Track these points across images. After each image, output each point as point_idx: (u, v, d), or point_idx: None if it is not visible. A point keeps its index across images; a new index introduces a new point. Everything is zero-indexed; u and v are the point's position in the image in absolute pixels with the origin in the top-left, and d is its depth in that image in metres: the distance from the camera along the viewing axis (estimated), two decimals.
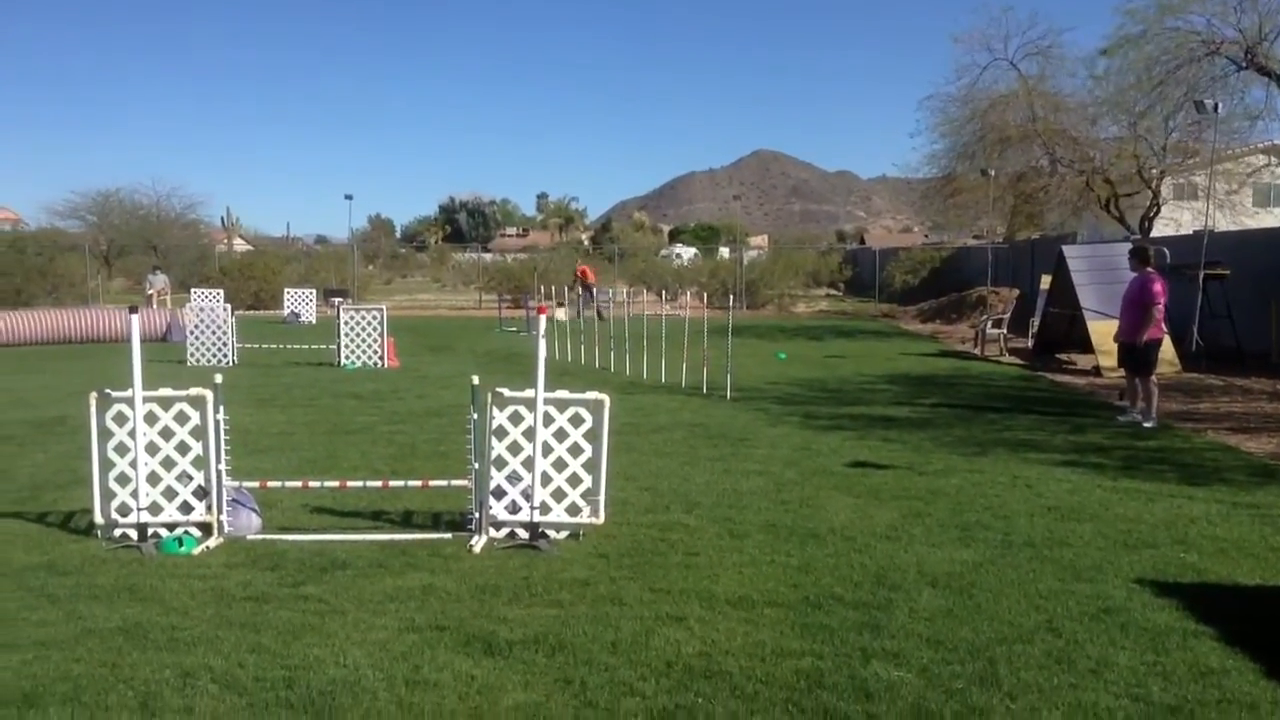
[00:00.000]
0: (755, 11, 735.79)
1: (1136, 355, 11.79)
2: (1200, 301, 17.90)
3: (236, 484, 7.17)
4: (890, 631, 5.15)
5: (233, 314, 20.26)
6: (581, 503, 6.90)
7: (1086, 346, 17.69)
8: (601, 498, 6.95)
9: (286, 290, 33.35)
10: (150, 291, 30.74)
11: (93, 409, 6.83)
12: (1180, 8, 22.01)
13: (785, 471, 9.05)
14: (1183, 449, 10.26)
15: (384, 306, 19.66)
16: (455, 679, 4.59)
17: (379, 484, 7.93)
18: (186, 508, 6.88)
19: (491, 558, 6.49)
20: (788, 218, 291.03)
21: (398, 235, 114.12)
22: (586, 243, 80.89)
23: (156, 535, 6.79)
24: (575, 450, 6.87)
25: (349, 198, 47.85)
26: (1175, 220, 29.75)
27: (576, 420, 6.87)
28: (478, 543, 6.71)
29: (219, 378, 7.02)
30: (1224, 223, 25.89)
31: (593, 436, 6.88)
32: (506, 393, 6.91)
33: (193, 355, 19.14)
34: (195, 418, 6.83)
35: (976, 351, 21.10)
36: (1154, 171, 26.15)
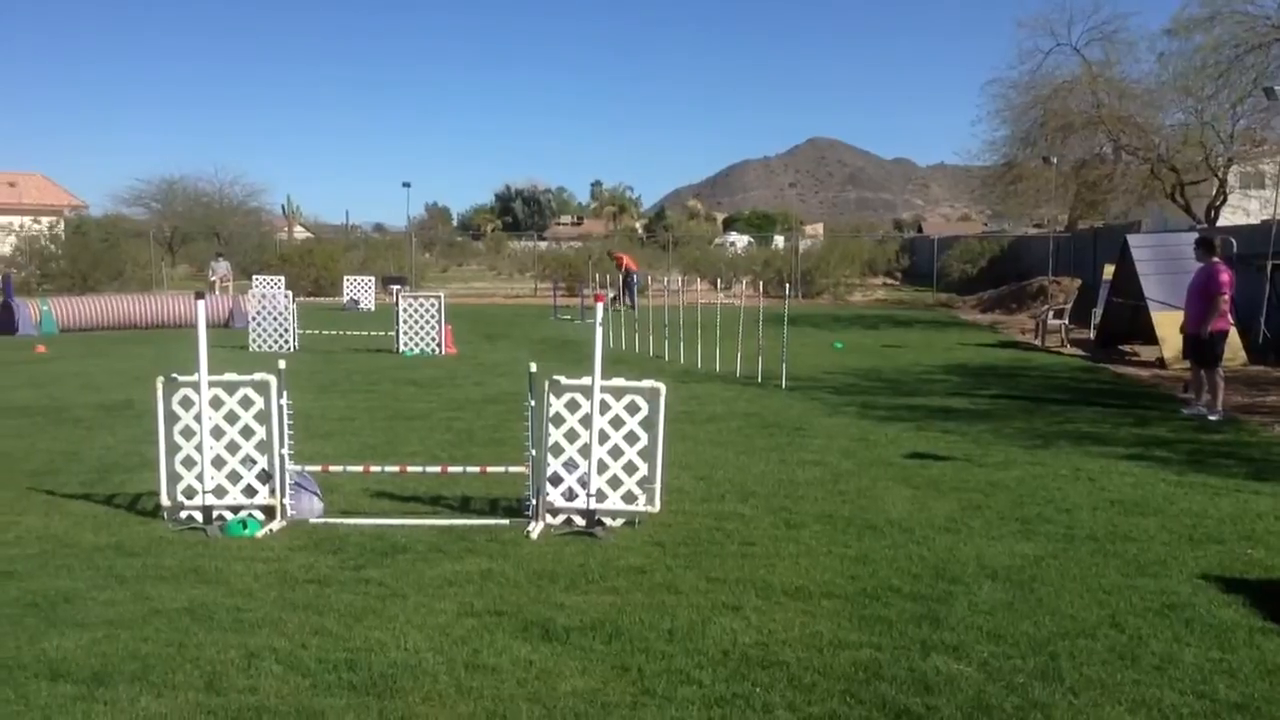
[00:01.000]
0: None
1: (1202, 347, 11.57)
2: (1268, 292, 17.47)
3: (299, 468, 7.28)
4: (950, 624, 5.10)
5: (294, 300, 20.55)
6: (637, 490, 6.92)
7: (1150, 338, 17.35)
8: (657, 486, 6.96)
9: (346, 277, 33.71)
10: (213, 278, 31.27)
11: (159, 393, 6.97)
12: None
13: (842, 462, 9.00)
14: (1249, 443, 10.05)
15: (442, 294, 19.83)
16: (514, 663, 4.63)
17: (438, 470, 8.01)
18: (250, 491, 7.01)
19: (548, 544, 6.53)
20: (843, 206, 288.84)
21: (454, 223, 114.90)
22: (640, 231, 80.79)
23: (221, 518, 6.93)
24: (631, 438, 6.89)
25: (407, 185, 48.26)
26: (1243, 209, 29.10)
27: (633, 408, 6.89)
28: (535, 529, 6.75)
29: (282, 363, 7.13)
30: None
31: (648, 424, 6.89)
32: (564, 380, 6.94)
33: (255, 341, 19.46)
34: (259, 402, 6.95)
35: (1037, 342, 20.81)
36: (1221, 159, 25.58)
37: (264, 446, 7.00)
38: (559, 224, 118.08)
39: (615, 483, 6.90)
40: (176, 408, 6.97)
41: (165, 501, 7.00)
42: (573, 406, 6.93)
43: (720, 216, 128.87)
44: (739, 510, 7.35)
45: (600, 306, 7.20)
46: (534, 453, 7.00)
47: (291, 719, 4.10)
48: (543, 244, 55.06)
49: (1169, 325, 15.26)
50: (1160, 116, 26.89)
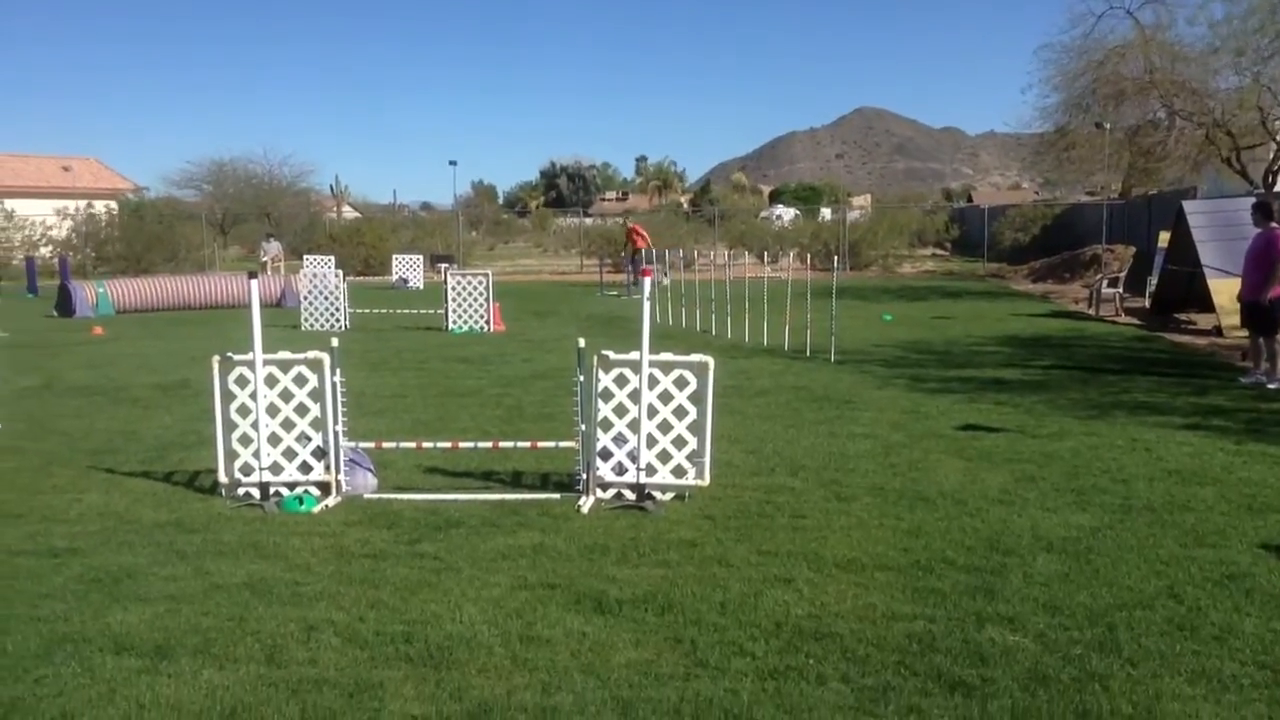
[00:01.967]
0: None
1: (1260, 314, 11.35)
2: None
3: (353, 444, 7.37)
4: (1004, 596, 5.07)
5: (344, 280, 20.75)
6: (687, 465, 6.92)
7: (1207, 306, 17.01)
8: (707, 460, 6.96)
9: (394, 256, 33.95)
10: (264, 258, 31.64)
11: (216, 372, 7.08)
12: None
13: (893, 434, 8.94)
14: None
15: (489, 272, 19.92)
16: (567, 636, 4.67)
17: (489, 445, 8.07)
18: (306, 467, 7.11)
19: (599, 518, 6.56)
20: (891, 177, 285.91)
21: (500, 201, 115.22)
22: (685, 205, 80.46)
23: (278, 494, 7.03)
24: (680, 412, 6.90)
25: (453, 164, 48.72)
26: None
27: (681, 383, 6.89)
28: (585, 503, 6.79)
29: (335, 341, 7.21)
30: None
31: (697, 399, 6.89)
32: (612, 355, 6.95)
33: (306, 320, 19.70)
34: (313, 380, 7.04)
35: (1091, 312, 20.50)
36: (1278, 123, 24.92)
37: (318, 424, 7.10)
38: (604, 200, 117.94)
39: (665, 457, 6.91)
40: (233, 386, 7.08)
41: (223, 479, 7.12)
42: (621, 381, 6.95)
43: (766, 189, 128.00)
44: (789, 484, 7.33)
45: (649, 281, 7.19)
46: (584, 428, 7.02)
47: (350, 690, 4.16)
48: (588, 220, 54.99)
49: (1226, 293, 14.97)
50: (1215, 80, 26.24)
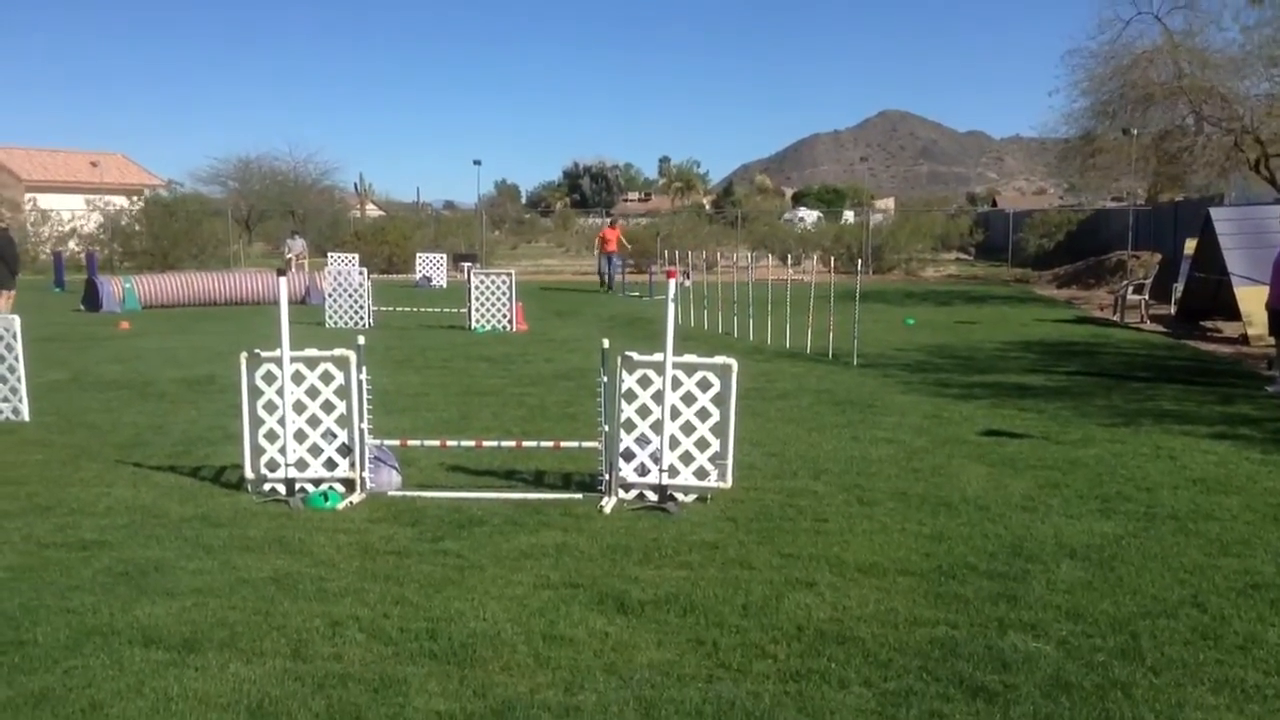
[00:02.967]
0: None
1: None
2: None
3: (378, 442, 7.42)
4: (1027, 603, 5.06)
5: (368, 277, 20.86)
6: (709, 466, 6.94)
7: (1233, 313, 16.89)
8: (729, 462, 6.98)
9: (418, 255, 34.07)
10: (289, 255, 31.83)
11: (243, 368, 7.15)
12: None
13: (915, 439, 8.93)
14: None
15: (513, 271, 19.97)
16: (590, 635, 4.69)
17: (512, 444, 8.11)
18: (331, 464, 7.17)
19: (621, 518, 6.59)
20: (915, 180, 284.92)
21: (523, 201, 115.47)
22: (708, 207, 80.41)
23: (303, 490, 7.09)
24: (703, 414, 6.91)
25: (478, 163, 48.51)
26: None
27: (704, 384, 6.90)
28: (608, 504, 6.81)
29: (361, 339, 7.27)
30: None
31: (720, 401, 6.90)
32: (636, 356, 6.98)
33: (331, 317, 19.82)
34: (339, 378, 7.09)
35: (1116, 318, 20.38)
36: None
37: (344, 421, 7.15)
38: (626, 200, 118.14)
39: (687, 458, 6.93)
40: (259, 382, 7.14)
41: (249, 474, 7.19)
42: (645, 382, 6.97)
43: (789, 191, 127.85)
44: (811, 487, 7.33)
45: (673, 283, 7.21)
46: (606, 428, 7.05)
47: (375, 686, 4.20)
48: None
49: (1253, 300, 14.86)
50: (1245, 86, 25.99)
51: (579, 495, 7.09)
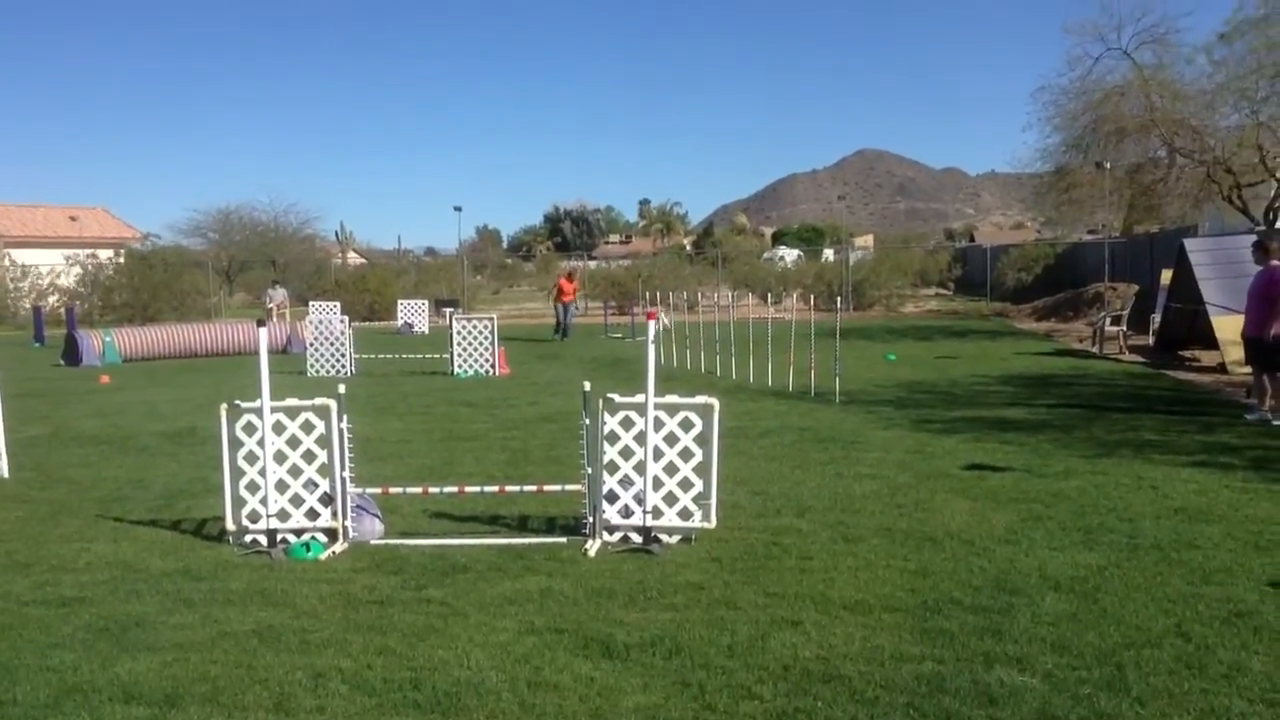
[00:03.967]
0: (855, 5, 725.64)
1: (1263, 350, 11.37)
2: None
3: (360, 490, 7.39)
4: (1012, 636, 5.06)
5: (349, 325, 20.85)
6: (693, 507, 6.93)
7: (1210, 343, 17.04)
8: (713, 502, 6.97)
9: (399, 301, 34.13)
10: (270, 305, 31.81)
11: (224, 419, 7.12)
12: None
13: (899, 475, 8.95)
14: None
15: (494, 316, 20.01)
16: (575, 681, 4.66)
17: (495, 489, 8.09)
18: (313, 514, 7.13)
19: (606, 561, 6.57)
20: (893, 217, 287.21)
21: (504, 245, 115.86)
22: (689, 248, 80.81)
23: (285, 541, 7.04)
24: (686, 454, 6.91)
25: (458, 209, 48.69)
26: None
27: (687, 425, 6.91)
28: (592, 546, 6.79)
29: (342, 388, 7.26)
30: None
31: (703, 440, 6.91)
32: (618, 398, 6.99)
33: (312, 366, 19.77)
34: (320, 427, 7.07)
35: (1095, 350, 20.52)
36: (1278, 160, 25.04)
37: (325, 470, 7.12)
38: (607, 243, 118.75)
39: (671, 499, 6.92)
40: (240, 433, 7.12)
41: (230, 526, 7.14)
42: (627, 424, 6.98)
43: (769, 231, 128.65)
44: (795, 525, 7.33)
45: (653, 325, 7.24)
46: (589, 471, 7.05)
47: None
48: (592, 263, 55.25)
49: (1229, 329, 15.01)
50: (1215, 118, 26.38)
51: (563, 539, 7.06)
